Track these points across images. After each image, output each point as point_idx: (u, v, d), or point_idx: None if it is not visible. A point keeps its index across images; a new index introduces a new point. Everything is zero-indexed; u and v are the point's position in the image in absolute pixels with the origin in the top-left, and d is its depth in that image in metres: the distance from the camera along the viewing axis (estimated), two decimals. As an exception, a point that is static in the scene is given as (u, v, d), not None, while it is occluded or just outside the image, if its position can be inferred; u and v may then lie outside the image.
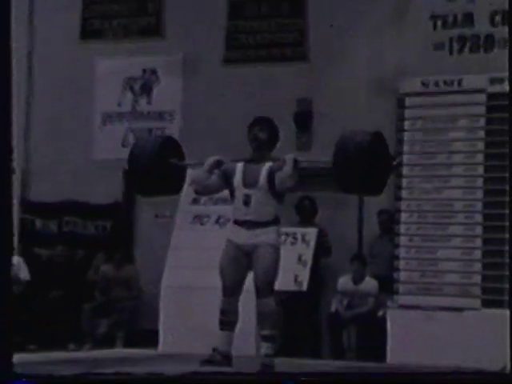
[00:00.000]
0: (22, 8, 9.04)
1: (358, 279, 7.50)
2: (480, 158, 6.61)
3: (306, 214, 7.92)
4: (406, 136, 6.81)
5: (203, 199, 7.05)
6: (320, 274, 7.58)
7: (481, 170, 6.60)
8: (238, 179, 5.12)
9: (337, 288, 7.55)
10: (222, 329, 5.19)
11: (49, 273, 8.70)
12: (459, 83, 6.69)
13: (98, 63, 8.94)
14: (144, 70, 8.87)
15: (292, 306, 7.39)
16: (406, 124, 6.84)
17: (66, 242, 8.90)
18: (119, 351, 7.35)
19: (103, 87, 8.91)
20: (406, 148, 6.78)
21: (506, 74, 4.78)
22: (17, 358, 5.05)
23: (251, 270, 5.15)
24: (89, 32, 9.06)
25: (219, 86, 8.41)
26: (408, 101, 6.83)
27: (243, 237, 5.10)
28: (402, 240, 6.74)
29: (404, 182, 6.77)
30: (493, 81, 6.52)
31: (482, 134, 6.63)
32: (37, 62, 9.18)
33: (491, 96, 6.54)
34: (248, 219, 5.08)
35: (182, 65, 8.68)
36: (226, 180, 5.16)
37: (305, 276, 6.86)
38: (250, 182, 5.10)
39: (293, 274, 6.87)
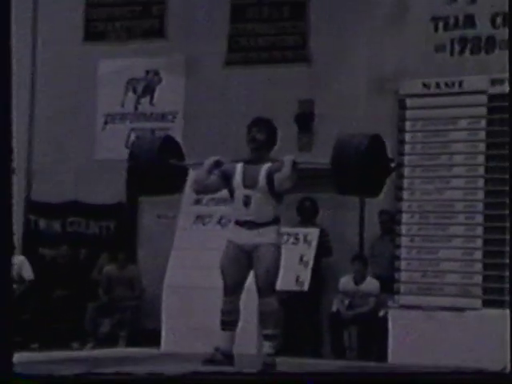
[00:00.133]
0: (26, 9, 9.10)
1: (359, 279, 7.52)
2: (481, 159, 6.62)
3: (307, 215, 7.95)
4: (407, 137, 6.82)
5: (205, 200, 7.08)
6: (321, 274, 7.61)
7: (482, 170, 6.61)
8: (237, 180, 5.16)
9: (338, 288, 7.57)
10: (223, 329, 5.22)
11: (52, 273, 8.74)
12: (460, 84, 6.71)
13: (101, 64, 8.99)
14: (147, 72, 8.91)
15: (293, 306, 7.41)
16: (407, 125, 6.85)
17: (70, 242, 8.94)
18: (122, 350, 7.38)
19: (106, 88, 8.96)
20: (406, 149, 6.79)
21: (507, 75, 4.80)
22: (20, 357, 5.09)
23: (252, 269, 5.17)
24: (92, 34, 9.11)
25: (221, 87, 8.45)
26: (409, 102, 6.84)
27: (244, 237, 5.13)
28: (403, 240, 6.75)
29: (405, 182, 6.78)
30: (494, 82, 6.52)
31: (482, 135, 6.63)
32: (40, 63, 9.22)
33: (492, 97, 6.54)
34: (248, 220, 5.11)
35: (185, 66, 8.72)
36: (226, 180, 5.19)
37: (306, 276, 6.89)
38: (249, 182, 5.13)
39: (294, 274, 6.89)
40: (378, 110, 7.72)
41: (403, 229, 6.74)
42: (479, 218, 6.56)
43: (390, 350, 6.55)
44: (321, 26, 8.23)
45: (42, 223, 9.21)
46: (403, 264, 6.72)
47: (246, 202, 5.10)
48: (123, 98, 8.96)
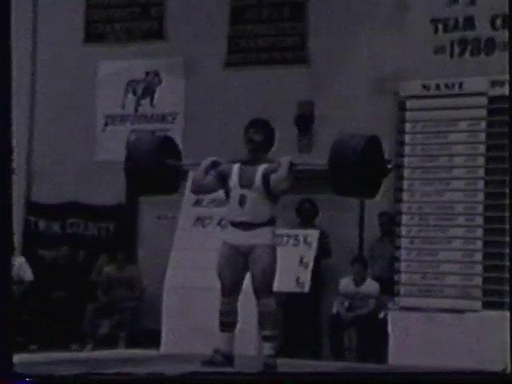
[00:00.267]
0: (26, 11, 9.10)
1: (359, 281, 7.52)
2: (481, 160, 6.63)
3: (306, 216, 7.95)
4: (407, 138, 6.83)
5: (205, 201, 7.09)
6: (321, 276, 7.61)
7: (482, 172, 6.62)
8: (234, 180, 5.16)
9: (338, 290, 7.56)
10: (222, 330, 5.23)
11: (52, 274, 8.74)
12: (460, 86, 6.71)
13: (101, 66, 8.99)
14: (147, 73, 8.92)
15: (293, 308, 7.42)
16: (407, 126, 6.85)
17: (70, 243, 8.94)
18: (121, 352, 7.37)
19: (106, 89, 8.96)
20: (406, 150, 6.80)
21: (507, 76, 4.80)
22: (19, 358, 5.08)
23: (248, 270, 5.18)
24: (92, 35, 9.11)
25: (221, 88, 8.45)
26: (409, 103, 6.85)
27: (239, 238, 5.13)
28: (403, 242, 6.75)
29: (405, 184, 6.78)
30: (493, 84, 6.53)
31: (482, 136, 6.64)
32: (41, 64, 9.23)
33: (492, 99, 6.55)
34: (243, 220, 5.11)
35: (184, 68, 8.72)
36: (222, 180, 5.19)
37: (306, 277, 6.89)
38: (245, 182, 5.13)
39: (294, 276, 6.89)
40: (377, 112, 7.73)
41: (403, 230, 6.75)
42: (479, 220, 6.57)
43: (389, 352, 6.55)
44: (320, 27, 8.24)
45: (42, 224, 9.21)
46: (403, 266, 6.72)
47: (242, 201, 5.10)
48: (123, 100, 8.97)
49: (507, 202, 5.98)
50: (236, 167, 5.19)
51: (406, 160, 6.79)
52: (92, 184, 8.79)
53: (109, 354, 6.63)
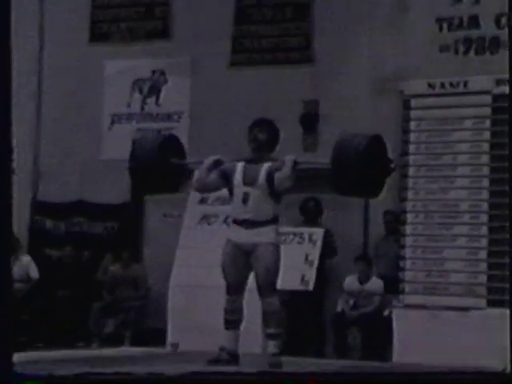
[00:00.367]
0: (32, 11, 9.14)
1: (363, 279, 7.54)
2: (485, 158, 6.64)
3: (311, 215, 7.97)
4: (412, 137, 6.85)
5: (211, 200, 7.11)
6: (326, 274, 7.63)
7: (486, 170, 6.63)
8: (238, 178, 5.17)
9: (343, 288, 7.58)
10: (227, 328, 5.24)
11: (58, 272, 8.77)
12: (465, 85, 6.73)
13: (107, 65, 9.02)
14: (153, 72, 8.95)
15: (298, 306, 7.44)
16: (412, 125, 6.87)
17: (75, 242, 8.97)
18: (126, 350, 7.40)
19: (112, 88, 8.99)
20: (411, 149, 6.82)
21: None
22: (24, 356, 5.11)
23: (252, 269, 5.19)
24: (98, 35, 9.14)
25: (226, 88, 8.48)
26: (414, 102, 6.87)
27: (242, 236, 5.14)
28: (408, 240, 6.77)
29: (409, 182, 6.80)
30: (498, 82, 6.54)
31: (487, 135, 6.65)
32: (47, 64, 9.26)
33: (497, 97, 6.56)
34: (246, 218, 5.12)
35: (190, 67, 8.75)
36: (225, 179, 5.21)
37: (311, 276, 6.91)
38: (249, 180, 5.14)
39: (299, 274, 6.91)
40: (382, 110, 7.74)
41: (408, 228, 6.77)
42: (484, 218, 6.58)
43: (394, 350, 6.57)
44: (324, 27, 8.25)
45: (48, 223, 9.25)
46: (408, 264, 6.74)
47: (245, 199, 5.11)
48: (129, 99, 9.00)
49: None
50: (240, 165, 5.21)
51: (410, 158, 6.81)
52: (98, 183, 8.82)
53: (114, 353, 6.66)
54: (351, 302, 7.52)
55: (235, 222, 5.21)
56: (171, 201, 7.24)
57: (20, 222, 8.74)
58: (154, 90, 8.94)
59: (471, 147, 6.68)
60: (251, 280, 5.24)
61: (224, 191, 5.39)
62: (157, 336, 7.19)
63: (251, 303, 5.30)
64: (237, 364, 5.18)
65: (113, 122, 9.05)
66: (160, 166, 5.32)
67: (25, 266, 8.58)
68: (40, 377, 3.95)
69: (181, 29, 8.80)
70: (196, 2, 8.69)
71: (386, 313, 7.25)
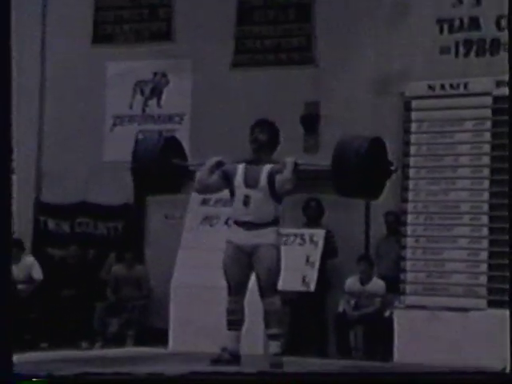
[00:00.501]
0: (35, 13, 9.18)
1: (365, 280, 7.56)
2: (486, 160, 6.67)
3: (312, 216, 8.00)
4: (413, 138, 6.87)
5: (213, 201, 7.15)
6: (327, 275, 7.66)
7: (487, 172, 6.66)
8: (239, 180, 5.20)
9: (344, 288, 7.61)
10: (229, 328, 5.28)
11: (61, 272, 8.81)
12: (465, 86, 6.75)
13: (110, 67, 9.06)
14: (154, 74, 8.97)
15: (300, 306, 7.47)
16: (413, 126, 6.90)
17: (79, 243, 9.01)
18: (130, 350, 7.44)
19: (114, 90, 9.03)
20: (412, 150, 6.84)
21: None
22: (29, 356, 5.14)
23: (254, 270, 5.23)
24: (100, 36, 9.17)
25: (228, 89, 8.51)
26: (414, 103, 6.89)
27: (243, 237, 5.18)
28: (409, 241, 6.80)
29: (410, 183, 6.83)
30: (499, 84, 6.57)
31: (488, 136, 6.68)
32: (50, 65, 9.30)
33: (497, 99, 6.58)
34: (247, 220, 5.16)
35: (192, 68, 8.78)
36: (227, 180, 5.25)
37: (312, 276, 6.94)
38: (250, 182, 5.18)
39: (301, 275, 6.94)
40: (383, 112, 7.77)
41: (409, 229, 6.79)
42: (484, 219, 6.61)
43: (395, 350, 6.59)
44: (326, 28, 8.27)
45: (52, 224, 9.28)
46: (409, 265, 6.76)
47: (246, 201, 5.14)
48: (131, 100, 9.03)
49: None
50: (241, 167, 5.24)
51: (411, 160, 6.84)
52: (100, 184, 8.85)
53: (117, 353, 6.70)
54: (352, 302, 7.54)
55: (236, 223, 5.25)
56: (173, 202, 7.27)
57: (23, 223, 8.78)
58: (156, 92, 8.97)
59: (472, 149, 6.71)
60: (252, 280, 5.28)
61: (225, 192, 5.42)
62: (159, 336, 7.22)
63: (253, 304, 5.34)
64: (238, 364, 5.21)
65: (115, 124, 9.08)
66: (162, 167, 5.36)
67: (28, 266, 8.62)
68: (40, 377, 3.98)
69: (183, 30, 8.83)
70: (198, 4, 8.72)
71: (387, 313, 7.27)
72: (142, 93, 9.02)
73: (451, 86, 6.78)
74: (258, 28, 8.61)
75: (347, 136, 5.19)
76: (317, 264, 6.98)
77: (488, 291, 6.52)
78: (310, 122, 8.29)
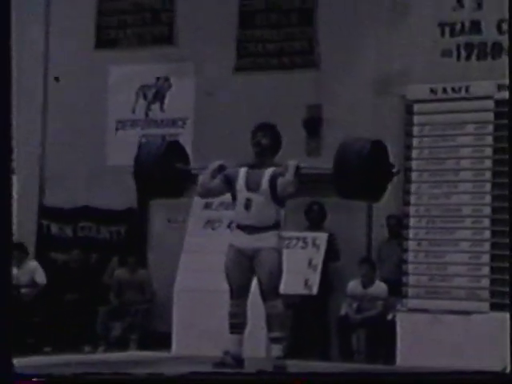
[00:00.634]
0: (38, 17, 9.22)
1: (367, 283, 7.57)
2: (488, 163, 6.69)
3: (315, 219, 8.01)
4: (415, 142, 6.90)
5: (215, 204, 7.16)
6: (329, 278, 7.67)
7: (489, 175, 6.67)
8: (241, 183, 5.21)
9: (346, 292, 7.62)
10: (232, 332, 5.29)
11: (64, 277, 8.83)
12: (467, 90, 6.77)
13: (113, 71, 9.09)
14: (157, 78, 9.00)
15: (302, 310, 7.48)
16: (415, 130, 6.92)
17: (81, 247, 9.03)
18: (133, 354, 7.45)
19: (117, 94, 9.05)
20: (414, 154, 6.86)
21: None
22: (32, 360, 5.15)
23: (255, 273, 5.24)
24: (103, 41, 9.20)
25: (230, 93, 8.53)
26: (416, 107, 6.91)
27: (244, 241, 5.19)
28: (411, 244, 6.81)
29: (412, 187, 6.85)
30: (500, 87, 6.59)
31: (489, 139, 6.70)
32: (53, 69, 9.33)
33: (499, 102, 6.60)
34: (249, 223, 5.17)
35: (194, 72, 8.81)
36: (229, 184, 5.26)
37: (315, 280, 6.95)
38: (252, 186, 5.19)
39: (303, 278, 6.95)
40: (385, 115, 7.78)
41: (411, 233, 6.81)
42: (486, 222, 6.62)
43: (398, 353, 6.60)
44: (328, 32, 8.29)
45: (54, 228, 9.31)
46: (411, 268, 6.78)
47: (247, 204, 5.15)
48: (134, 105, 9.05)
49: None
50: (243, 171, 5.25)
51: (413, 163, 6.86)
52: (103, 188, 8.88)
53: (120, 356, 6.70)
54: (355, 305, 7.55)
55: (238, 227, 5.27)
56: (176, 206, 7.29)
57: (27, 227, 8.81)
58: (159, 96, 9.00)
59: (474, 152, 6.73)
60: (254, 284, 5.29)
61: (228, 196, 5.43)
62: (162, 340, 7.23)
63: (255, 307, 5.35)
64: (242, 368, 5.22)
65: (118, 128, 9.11)
66: (164, 171, 5.37)
67: (32, 271, 8.64)
68: (40, 377, 3.99)
69: (185, 34, 8.86)
70: (200, 8, 8.75)
71: (389, 316, 7.28)
72: (145, 97, 9.04)
73: (453, 89, 6.81)
74: (260, 32, 8.63)
75: (349, 138, 5.20)
76: (319, 267, 6.99)
77: (490, 294, 6.53)
78: (313, 125, 8.31)
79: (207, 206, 7.25)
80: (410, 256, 6.79)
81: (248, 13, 8.69)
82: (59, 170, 9.14)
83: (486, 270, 6.59)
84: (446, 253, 6.70)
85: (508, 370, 4.65)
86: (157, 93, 9.00)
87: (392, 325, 6.90)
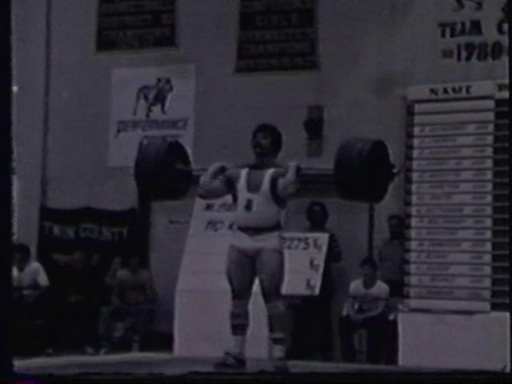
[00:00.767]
0: (39, 19, 9.24)
1: (369, 283, 7.58)
2: (489, 163, 6.69)
3: (316, 220, 8.02)
4: (416, 142, 6.90)
5: (217, 206, 7.18)
6: (331, 279, 7.68)
7: (490, 175, 6.68)
8: (242, 184, 5.22)
9: (348, 292, 7.63)
10: (233, 333, 5.29)
11: (66, 278, 8.85)
12: (467, 90, 6.78)
13: (114, 73, 9.11)
14: (158, 79, 9.02)
15: (304, 310, 7.49)
16: (416, 130, 6.93)
17: (83, 248, 9.05)
18: (135, 355, 7.46)
19: (118, 96, 9.07)
20: (415, 154, 6.87)
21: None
22: (35, 361, 5.16)
23: (257, 274, 5.25)
24: (104, 43, 9.22)
25: (231, 94, 8.55)
26: (417, 107, 6.92)
27: (245, 242, 5.20)
28: (413, 244, 6.82)
29: (414, 187, 6.85)
30: (501, 87, 6.59)
31: (490, 139, 6.70)
32: (54, 72, 9.35)
33: (499, 102, 6.61)
34: (250, 225, 5.17)
35: (195, 73, 8.82)
36: (229, 185, 5.26)
37: (317, 280, 6.96)
38: (253, 187, 5.19)
39: (305, 279, 6.96)
40: (386, 116, 7.80)
41: (412, 233, 6.81)
42: (488, 222, 6.62)
43: (399, 354, 6.61)
44: (329, 33, 8.31)
45: (56, 230, 9.33)
46: (412, 268, 6.78)
47: (248, 206, 5.16)
48: (135, 106, 9.07)
49: (512, 203, 6.02)
50: (244, 172, 5.26)
51: (414, 163, 6.86)
52: (105, 189, 8.90)
53: (122, 358, 6.71)
54: (356, 306, 7.56)
55: (239, 228, 5.27)
56: (177, 207, 7.31)
57: (29, 229, 8.83)
58: (160, 98, 9.01)
59: (474, 152, 6.73)
60: (257, 285, 5.30)
61: (229, 197, 5.44)
62: (164, 341, 7.25)
63: (257, 308, 5.36)
64: (243, 368, 5.22)
65: (119, 130, 9.13)
66: (165, 173, 5.38)
67: (34, 272, 8.66)
68: (39, 377, 3.99)
69: (186, 36, 8.87)
70: (201, 9, 8.76)
71: (391, 317, 7.28)
72: (146, 98, 9.06)
73: (453, 89, 6.81)
74: (261, 33, 8.65)
75: (349, 139, 5.21)
76: (321, 268, 7.00)
77: (492, 294, 6.53)
78: (313, 126, 8.32)
79: (209, 208, 7.27)
80: (412, 256, 6.79)
81: (248, 14, 8.71)
82: (61, 172, 9.16)
83: (487, 270, 6.60)
84: (447, 253, 6.71)
85: (508, 370, 4.65)
86: (158, 94, 9.02)
87: (394, 325, 6.91)
